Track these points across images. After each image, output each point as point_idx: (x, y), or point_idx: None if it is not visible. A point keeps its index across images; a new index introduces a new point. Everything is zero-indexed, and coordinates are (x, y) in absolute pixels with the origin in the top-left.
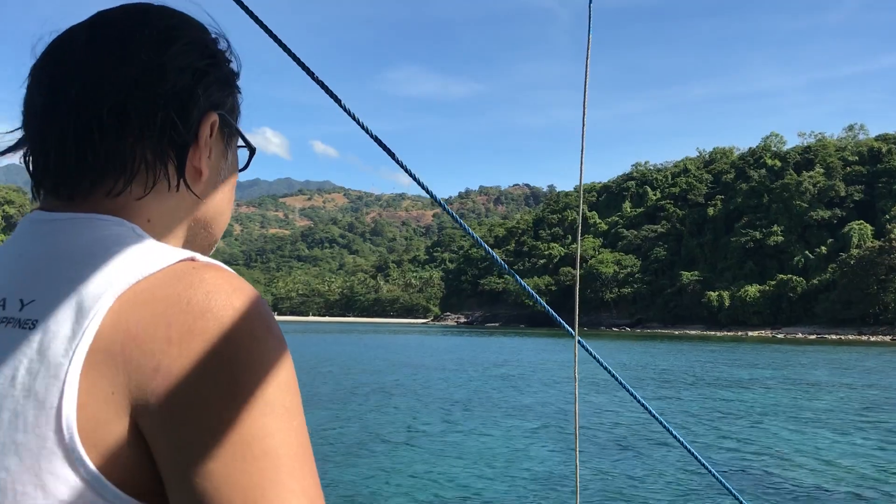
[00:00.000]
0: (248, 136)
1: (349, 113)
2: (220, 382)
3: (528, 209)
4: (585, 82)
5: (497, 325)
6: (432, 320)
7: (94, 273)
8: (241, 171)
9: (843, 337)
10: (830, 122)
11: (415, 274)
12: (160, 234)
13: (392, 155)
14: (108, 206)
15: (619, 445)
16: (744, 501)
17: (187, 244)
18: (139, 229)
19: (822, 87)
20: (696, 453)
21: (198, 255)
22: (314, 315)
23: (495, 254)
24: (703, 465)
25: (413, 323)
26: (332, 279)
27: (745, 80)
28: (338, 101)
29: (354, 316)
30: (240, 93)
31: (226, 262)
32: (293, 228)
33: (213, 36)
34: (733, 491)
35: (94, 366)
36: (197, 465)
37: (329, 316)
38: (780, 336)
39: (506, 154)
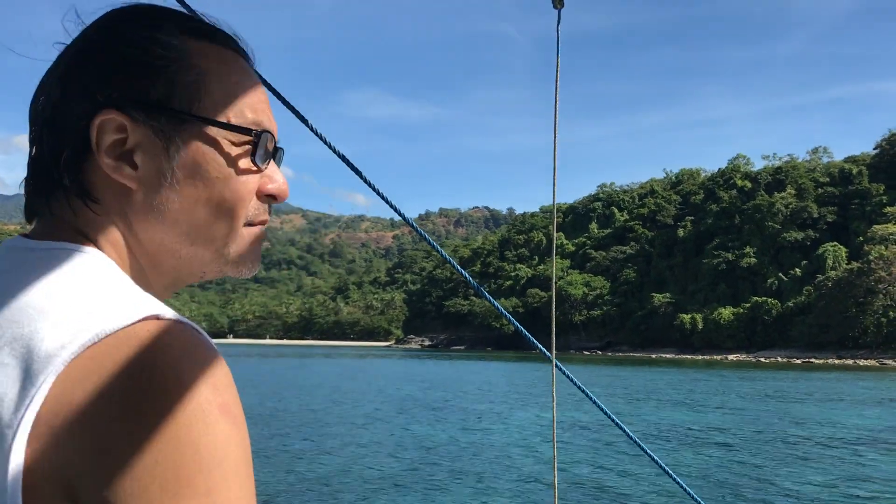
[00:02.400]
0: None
1: (316, 133)
2: (163, 474)
3: (489, 231)
4: (556, 91)
5: (463, 347)
6: (395, 343)
7: (50, 328)
8: (253, 161)
9: (826, 361)
10: (783, 150)
11: (376, 296)
12: (136, 262)
13: (359, 174)
14: (77, 228)
15: (598, 468)
16: None
17: (187, 265)
18: (111, 263)
19: (774, 115)
20: (673, 474)
21: (165, 312)
22: (271, 338)
23: (467, 274)
24: (682, 485)
25: (375, 346)
26: (291, 301)
27: (699, 108)
28: (305, 121)
29: (313, 338)
30: (195, 68)
31: None
32: None
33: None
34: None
35: (37, 439)
36: None
37: (287, 339)
38: (763, 360)
39: (465, 177)
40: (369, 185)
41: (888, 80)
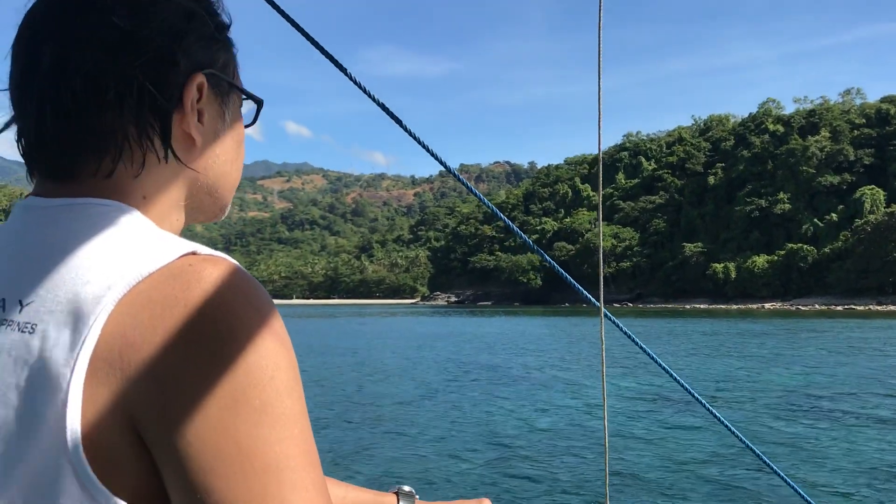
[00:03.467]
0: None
1: (358, 85)
2: (218, 392)
3: (510, 185)
4: (599, 33)
5: (489, 303)
6: (421, 300)
7: (93, 272)
8: (248, 126)
9: (868, 308)
10: (813, 93)
11: (400, 253)
12: (159, 212)
13: (400, 122)
14: (102, 187)
15: (648, 415)
16: (782, 474)
17: (193, 213)
18: (138, 214)
19: (801, 58)
20: (733, 428)
21: (200, 248)
22: (298, 297)
23: (514, 225)
24: (740, 438)
25: (401, 304)
26: (316, 261)
27: (723, 52)
28: (350, 76)
29: (339, 297)
30: (234, 46)
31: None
32: (272, 211)
33: None
34: (776, 469)
35: (94, 375)
36: (197, 482)
37: (313, 298)
38: (801, 308)
39: (485, 132)
40: (410, 133)
41: None
